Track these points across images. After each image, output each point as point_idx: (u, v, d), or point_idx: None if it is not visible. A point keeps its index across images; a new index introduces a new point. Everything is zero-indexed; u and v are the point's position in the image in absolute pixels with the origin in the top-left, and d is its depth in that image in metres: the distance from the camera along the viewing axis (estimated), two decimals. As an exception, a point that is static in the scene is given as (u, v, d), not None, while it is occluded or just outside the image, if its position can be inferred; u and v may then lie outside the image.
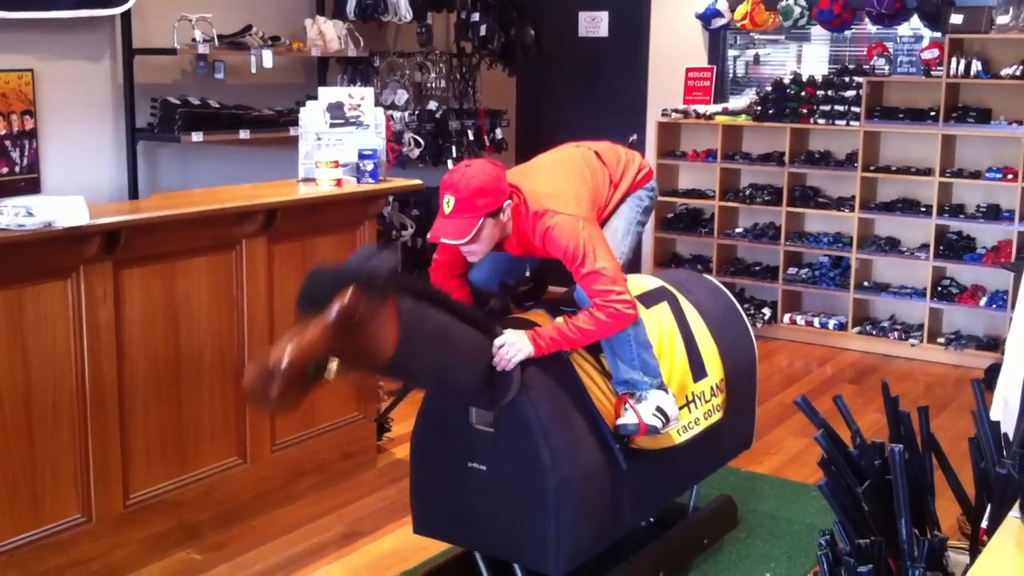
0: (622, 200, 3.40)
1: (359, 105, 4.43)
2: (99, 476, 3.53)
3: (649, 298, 3.45)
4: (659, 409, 3.18)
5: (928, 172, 6.37)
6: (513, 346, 2.99)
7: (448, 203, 2.97)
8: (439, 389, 3.09)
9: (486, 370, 2.99)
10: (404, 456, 4.60)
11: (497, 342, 3.00)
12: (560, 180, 3.21)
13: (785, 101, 6.79)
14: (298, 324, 2.60)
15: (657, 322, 3.40)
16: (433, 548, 3.72)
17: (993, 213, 6.25)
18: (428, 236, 3.08)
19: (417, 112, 6.30)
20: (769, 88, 6.94)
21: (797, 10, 6.76)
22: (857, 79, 6.54)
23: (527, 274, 3.39)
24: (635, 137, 7.32)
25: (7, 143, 4.68)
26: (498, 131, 6.77)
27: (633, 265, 3.36)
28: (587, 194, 3.20)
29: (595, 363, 3.25)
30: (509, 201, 3.06)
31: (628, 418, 3.16)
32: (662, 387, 3.24)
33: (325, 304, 2.57)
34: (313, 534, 4.00)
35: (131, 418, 3.63)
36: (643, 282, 3.58)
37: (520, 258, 3.29)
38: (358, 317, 2.59)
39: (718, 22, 7.15)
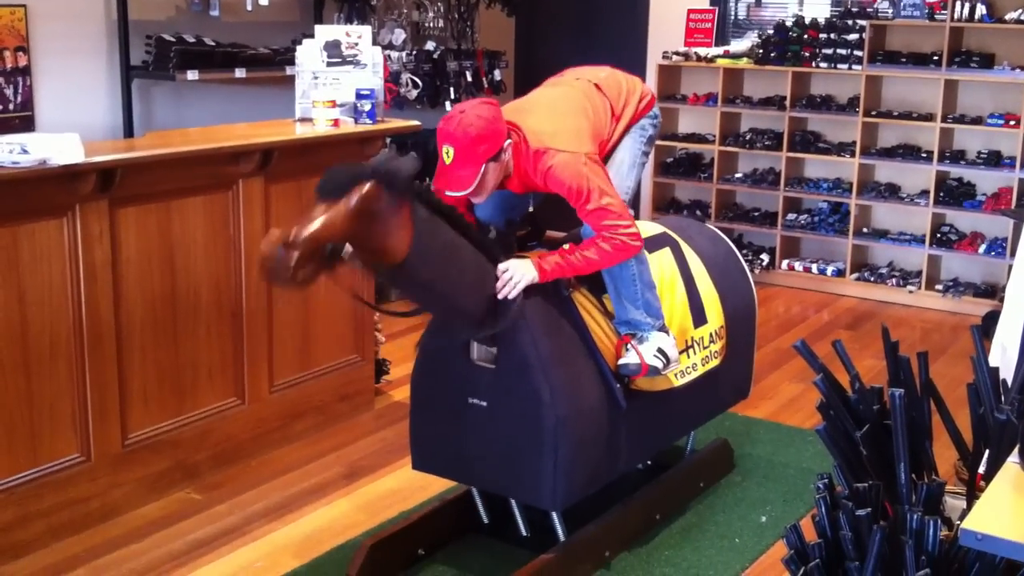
0: (626, 131, 3.36)
1: (356, 44, 4.37)
2: (97, 415, 3.54)
3: (652, 243, 3.43)
4: (660, 350, 3.19)
5: (929, 118, 6.33)
6: (517, 271, 2.99)
7: (448, 154, 2.93)
8: (440, 311, 3.07)
9: (489, 298, 2.99)
10: (402, 398, 4.62)
11: (501, 267, 3.00)
12: (560, 117, 3.17)
13: (787, 44, 6.72)
14: (318, 207, 2.64)
15: (659, 267, 3.39)
16: (432, 488, 3.74)
17: (994, 160, 6.22)
18: (431, 186, 3.07)
19: (415, 53, 6.22)
20: (771, 31, 6.87)
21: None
22: (860, 22, 6.47)
23: (530, 209, 3.38)
24: (635, 80, 7.26)
25: (0, 80, 4.62)
26: (496, 72, 6.70)
27: (632, 209, 3.34)
28: (588, 129, 3.16)
29: (597, 303, 3.25)
30: (509, 141, 3.02)
31: (630, 358, 3.16)
32: (663, 329, 3.25)
33: (346, 191, 2.63)
34: (312, 474, 4.02)
35: (128, 358, 3.62)
36: (646, 228, 3.56)
37: (522, 194, 3.27)
38: (377, 208, 2.65)
39: (721, -37, 7.06)
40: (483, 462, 3.19)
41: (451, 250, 2.90)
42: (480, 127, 2.92)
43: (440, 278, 2.88)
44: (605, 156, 3.28)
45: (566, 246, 3.13)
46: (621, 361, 3.18)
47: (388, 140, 5.70)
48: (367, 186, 2.63)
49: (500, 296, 2.99)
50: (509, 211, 3.33)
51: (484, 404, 3.12)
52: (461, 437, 3.20)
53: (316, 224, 2.58)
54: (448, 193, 2.96)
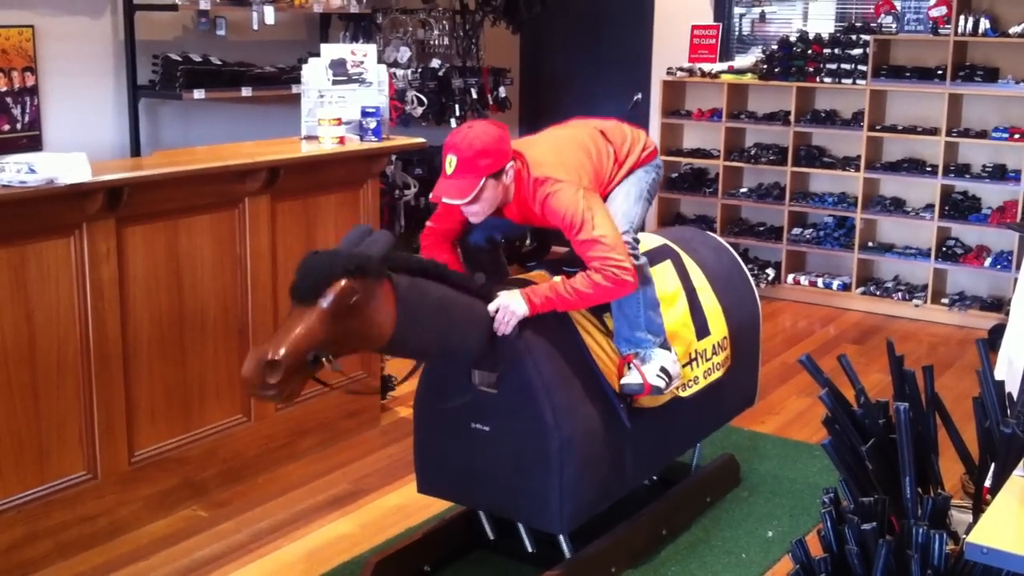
0: (628, 174, 3.36)
1: (362, 62, 4.40)
2: (104, 433, 3.55)
3: (653, 256, 3.44)
4: (663, 369, 3.19)
5: (934, 132, 6.33)
6: (507, 309, 2.98)
7: (450, 163, 2.96)
8: (442, 360, 3.09)
9: (488, 336, 3.00)
10: (407, 415, 4.62)
11: (491, 308, 2.99)
12: (563, 150, 3.19)
13: (791, 59, 6.73)
14: (294, 313, 2.60)
15: (661, 280, 3.39)
16: (437, 505, 3.74)
17: (999, 173, 6.22)
18: (431, 196, 3.07)
19: (420, 70, 6.25)
20: (775, 46, 6.88)
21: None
22: (864, 37, 6.48)
23: (528, 242, 3.38)
24: (639, 97, 7.28)
25: (8, 100, 4.66)
26: (501, 89, 6.72)
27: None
28: (589, 167, 3.18)
29: (598, 323, 3.25)
30: (512, 163, 3.04)
31: (632, 378, 3.16)
32: (665, 345, 3.25)
33: (320, 292, 2.58)
34: (318, 491, 4.02)
35: (135, 375, 3.64)
36: (647, 240, 3.57)
37: (519, 225, 3.28)
38: (354, 303, 2.60)
39: (724, -21, 7.09)
40: (488, 486, 3.19)
41: (440, 306, 2.89)
42: (486, 141, 2.95)
43: (432, 336, 2.88)
44: (607, 195, 3.28)
45: (558, 278, 3.12)
46: (624, 381, 3.18)
47: (393, 157, 5.73)
48: (341, 285, 2.58)
49: (499, 334, 3.00)
50: (496, 230, 3.34)
51: (487, 429, 3.12)
52: (466, 461, 3.20)
53: (293, 339, 2.55)
54: (445, 200, 2.97)
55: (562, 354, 3.12)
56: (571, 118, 3.48)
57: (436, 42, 6.59)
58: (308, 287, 2.60)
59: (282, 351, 2.53)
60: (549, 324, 3.11)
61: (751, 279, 3.92)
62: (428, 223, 3.31)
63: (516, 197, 3.10)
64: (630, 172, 3.35)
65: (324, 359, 2.60)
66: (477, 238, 3.33)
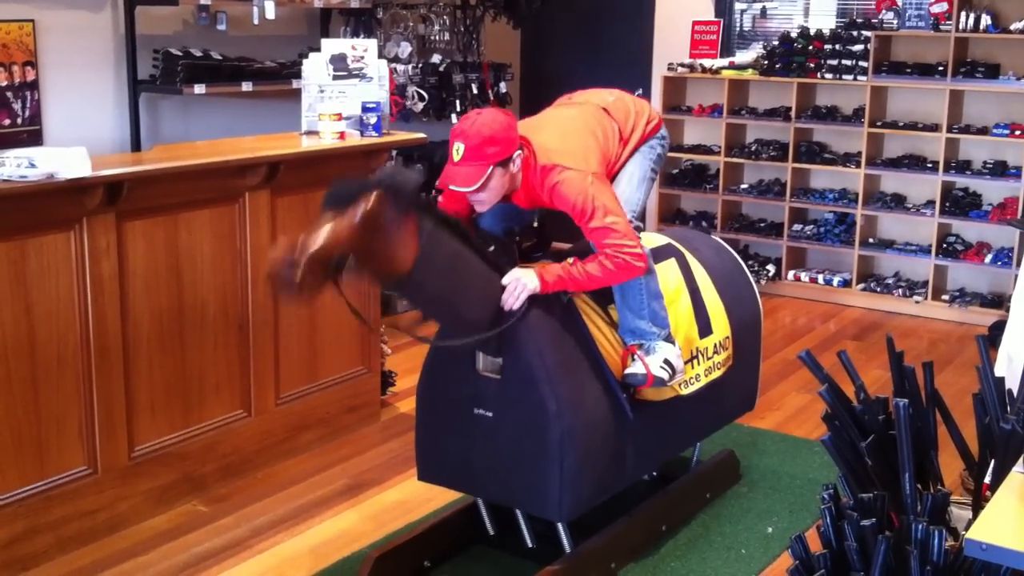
0: (634, 152, 3.37)
1: (362, 57, 4.39)
2: (104, 428, 3.55)
3: (657, 254, 3.44)
4: (666, 361, 3.20)
5: (935, 128, 6.32)
6: (519, 281, 3.00)
7: (457, 150, 2.95)
8: (446, 320, 3.08)
9: (494, 307, 3.00)
10: (408, 410, 4.62)
11: (504, 280, 3.01)
12: (569, 135, 3.19)
13: (792, 55, 6.73)
14: (324, 218, 2.65)
15: (664, 278, 3.40)
16: (437, 500, 3.75)
17: (1000, 169, 6.21)
18: (436, 183, 3.07)
19: (421, 65, 6.25)
20: (776, 42, 6.87)
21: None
22: (865, 33, 6.47)
23: (535, 224, 3.39)
24: (640, 92, 7.27)
25: (9, 94, 4.65)
26: (502, 85, 6.71)
27: (640, 222, 3.37)
28: (596, 150, 3.18)
29: (603, 314, 3.26)
30: (519, 152, 3.04)
31: (636, 368, 3.17)
32: (669, 339, 3.25)
33: (353, 202, 2.64)
34: (318, 486, 4.03)
35: (135, 370, 3.64)
36: (651, 239, 3.57)
37: (528, 210, 3.28)
38: (382, 220, 2.66)
39: (725, -25, 7.08)
40: (489, 473, 3.19)
41: (456, 261, 2.91)
42: (494, 129, 2.95)
43: (446, 288, 2.89)
44: (613, 175, 3.29)
45: (570, 260, 3.14)
46: (627, 371, 3.19)
47: (394, 153, 5.72)
48: (372, 198, 2.64)
49: (505, 307, 3.01)
50: (510, 220, 3.35)
51: (490, 415, 3.13)
52: (467, 448, 3.20)
53: (322, 237, 2.60)
54: (451, 187, 2.97)
55: (566, 343, 3.12)
56: (574, 91, 3.48)
57: (437, 37, 6.58)
58: (341, 196, 2.66)
59: (310, 246, 2.57)
60: (554, 312, 3.11)
61: (753, 282, 3.92)
62: (439, 202, 3.30)
63: (524, 184, 3.11)
64: (637, 147, 3.35)
65: (347, 267, 2.63)
66: (494, 228, 3.33)
